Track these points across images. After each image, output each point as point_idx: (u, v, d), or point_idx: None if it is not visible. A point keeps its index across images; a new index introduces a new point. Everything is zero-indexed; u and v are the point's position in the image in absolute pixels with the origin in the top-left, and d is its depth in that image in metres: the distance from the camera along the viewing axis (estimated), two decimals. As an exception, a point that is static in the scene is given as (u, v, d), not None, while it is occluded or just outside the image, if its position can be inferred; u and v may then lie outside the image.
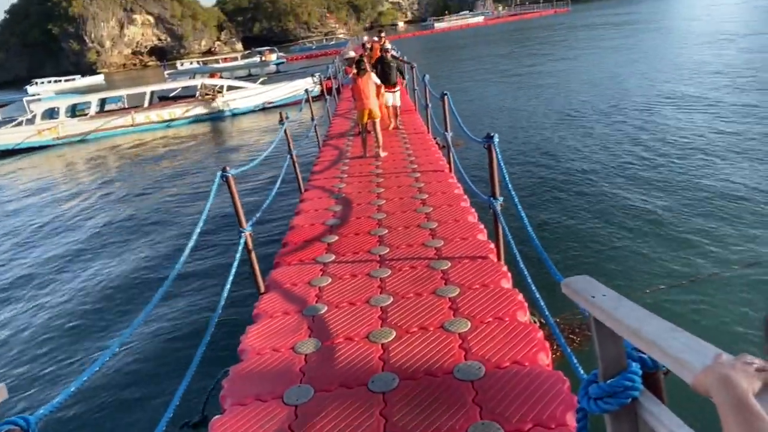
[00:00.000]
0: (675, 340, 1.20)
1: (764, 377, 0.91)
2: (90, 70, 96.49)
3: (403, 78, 12.24)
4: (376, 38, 15.63)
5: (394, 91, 10.83)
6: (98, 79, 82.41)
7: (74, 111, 24.28)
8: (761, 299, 5.42)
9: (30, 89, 65.52)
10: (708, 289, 5.70)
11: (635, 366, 1.60)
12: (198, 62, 68.41)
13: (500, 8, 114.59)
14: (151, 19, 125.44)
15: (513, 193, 4.21)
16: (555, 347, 3.84)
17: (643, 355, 1.62)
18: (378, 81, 9.29)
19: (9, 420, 1.76)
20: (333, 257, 5.40)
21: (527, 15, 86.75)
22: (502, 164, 4.48)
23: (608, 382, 1.60)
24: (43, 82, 73.58)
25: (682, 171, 9.45)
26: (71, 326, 6.85)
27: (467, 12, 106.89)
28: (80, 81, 77.83)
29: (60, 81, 75.80)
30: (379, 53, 12.00)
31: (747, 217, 7.25)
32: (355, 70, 8.99)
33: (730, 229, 6.99)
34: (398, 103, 11.13)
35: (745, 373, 0.90)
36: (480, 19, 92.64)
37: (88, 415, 4.97)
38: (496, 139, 4.57)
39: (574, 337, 4.80)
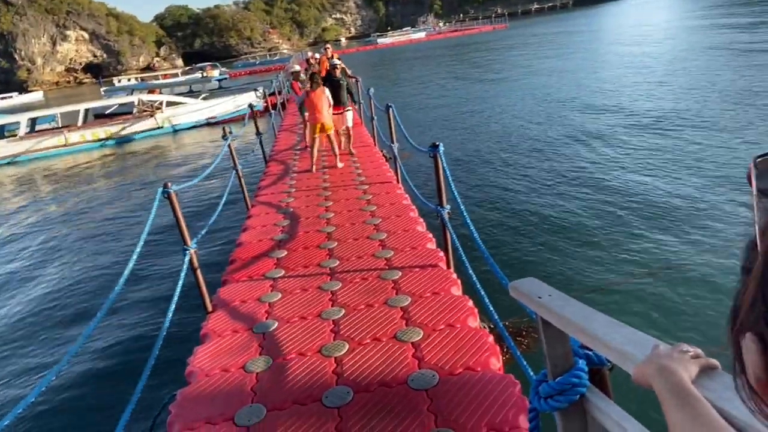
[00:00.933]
0: (617, 334, 1.24)
1: (700, 363, 0.94)
2: (20, 88, 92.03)
3: (354, 100, 10.28)
4: (321, 51, 14.40)
5: (343, 113, 9.61)
6: (37, 96, 79.08)
7: (2, 132, 23.02)
8: (693, 295, 5.71)
9: None
10: (643, 288, 5.96)
11: (581, 363, 1.65)
12: (137, 78, 66.43)
13: (441, 24, 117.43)
14: (86, 35, 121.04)
15: (459, 201, 4.28)
16: (505, 350, 3.90)
17: (588, 352, 1.67)
18: (330, 99, 8.98)
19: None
20: (282, 272, 5.32)
21: (468, 31, 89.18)
22: (448, 173, 4.55)
23: (557, 380, 1.63)
24: None
25: (619, 178, 9.90)
26: (10, 344, 6.43)
27: (409, 28, 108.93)
28: (18, 98, 74.89)
29: None
30: (326, 69, 11.14)
31: (679, 222, 7.65)
32: (308, 84, 9.04)
33: (665, 232, 7.35)
34: (350, 124, 9.80)
35: (681, 361, 0.93)
36: (422, 34, 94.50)
37: None
38: (442, 149, 4.65)
39: (522, 339, 4.90)
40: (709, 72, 18.84)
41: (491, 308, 3.68)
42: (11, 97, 75.70)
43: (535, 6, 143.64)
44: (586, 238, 7.42)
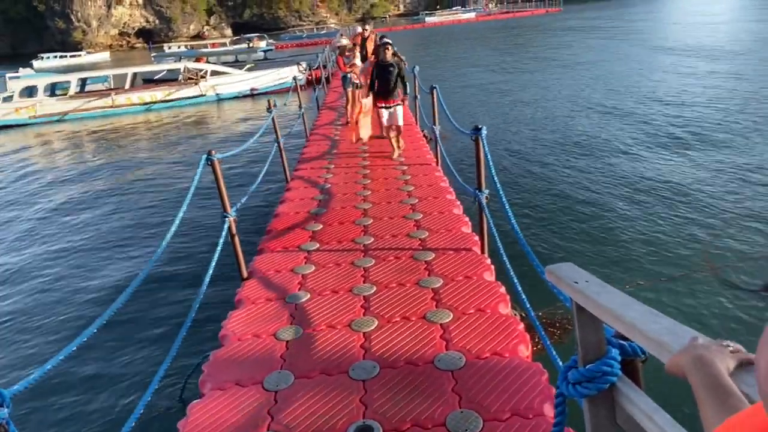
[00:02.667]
0: (655, 323, 1.21)
1: (739, 357, 0.92)
2: (75, 49, 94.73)
3: (406, 89, 8.21)
4: (359, 29, 13.36)
5: (394, 106, 7.96)
6: (104, 56, 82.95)
7: (53, 90, 23.81)
8: (733, 299, 5.53)
9: (35, 63, 65.69)
10: (686, 287, 5.79)
11: (614, 352, 1.63)
12: (186, 46, 67.58)
13: (492, 5, 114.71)
14: (140, 0, 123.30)
15: (498, 186, 4.23)
16: (536, 340, 3.88)
17: (623, 342, 1.65)
18: (369, 99, 8.00)
19: (-17, 394, 1.73)
20: (317, 245, 5.39)
21: (519, 13, 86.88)
22: (489, 157, 4.50)
23: (587, 367, 1.62)
24: (49, 57, 74.12)
25: (669, 173, 9.58)
26: (51, 301, 6.76)
27: (459, 7, 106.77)
28: (86, 57, 79.04)
29: (66, 56, 76.84)
30: (372, 50, 10.38)
31: (722, 223, 7.38)
32: (373, 57, 9.07)
33: (709, 232, 7.11)
34: (401, 123, 8.11)
35: (719, 353, 0.91)
36: (472, 15, 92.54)
37: (66, 394, 4.91)
38: (484, 132, 4.58)
39: (554, 330, 4.86)
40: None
41: (523, 296, 3.65)
42: (80, 55, 79.87)
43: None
44: (627, 234, 7.24)
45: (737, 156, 10.02)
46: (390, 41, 8.00)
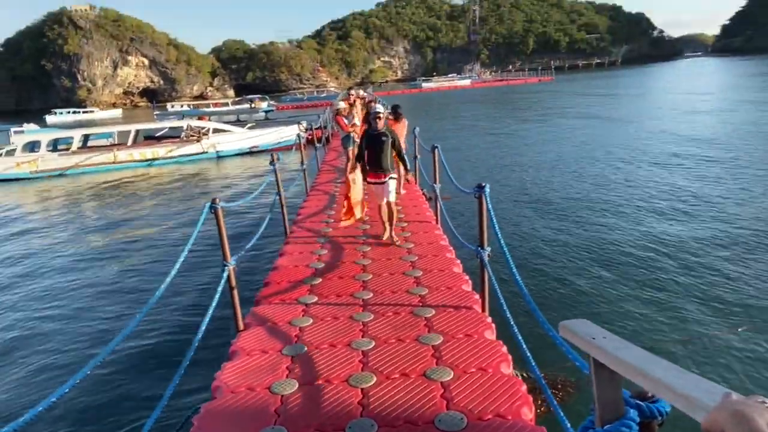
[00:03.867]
0: (683, 380, 1.17)
1: None
2: (79, 106, 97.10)
3: (406, 164, 7.39)
4: (353, 92, 13.79)
5: (386, 180, 6.86)
6: (116, 112, 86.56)
7: (56, 145, 24.15)
8: (753, 365, 5.42)
9: (49, 119, 69.55)
10: (695, 350, 5.68)
11: (632, 413, 1.58)
12: (189, 105, 69.43)
13: (488, 73, 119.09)
14: (146, 61, 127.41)
15: (503, 242, 4.22)
16: (539, 402, 3.75)
17: (640, 402, 1.60)
18: (358, 173, 7.22)
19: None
20: (315, 299, 5.31)
21: (513, 81, 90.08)
22: (492, 214, 4.52)
23: (605, 427, 1.56)
24: (62, 113, 77.61)
25: (671, 229, 9.64)
26: (46, 345, 6.58)
27: (455, 75, 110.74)
28: (98, 114, 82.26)
29: (78, 112, 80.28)
30: (362, 116, 10.62)
31: (733, 283, 7.35)
32: (392, 116, 9.83)
33: (718, 291, 7.06)
34: (391, 198, 6.94)
35: (758, 409, 0.88)
36: (467, 82, 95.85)
37: None
38: (488, 189, 4.62)
39: (556, 392, 4.71)
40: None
41: (528, 354, 3.56)
42: (92, 111, 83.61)
43: (582, 62, 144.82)
44: (632, 293, 7.18)
45: (744, 213, 10.11)
46: (381, 111, 6.92)
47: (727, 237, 9.25)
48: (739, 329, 6.09)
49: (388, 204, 6.96)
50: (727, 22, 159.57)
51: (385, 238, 6.99)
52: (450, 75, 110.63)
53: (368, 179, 7.05)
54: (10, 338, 7.21)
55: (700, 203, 11.43)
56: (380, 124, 6.85)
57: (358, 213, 7.48)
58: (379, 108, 7.02)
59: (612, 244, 9.12)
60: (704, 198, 11.83)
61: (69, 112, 79.02)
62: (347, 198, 7.31)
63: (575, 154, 18.17)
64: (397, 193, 7.30)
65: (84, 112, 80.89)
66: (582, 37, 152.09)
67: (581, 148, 19.34)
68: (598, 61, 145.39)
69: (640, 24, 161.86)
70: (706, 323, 6.30)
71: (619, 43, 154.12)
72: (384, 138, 6.81)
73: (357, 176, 7.35)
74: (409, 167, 7.18)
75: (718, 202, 11.37)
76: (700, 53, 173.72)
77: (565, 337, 1.79)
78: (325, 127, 20.62)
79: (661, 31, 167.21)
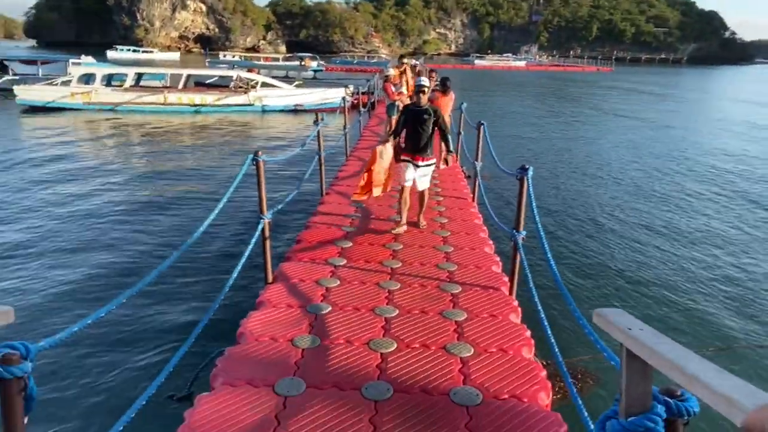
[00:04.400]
0: (722, 379, 1.14)
1: None
2: (136, 45, 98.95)
3: (448, 145, 6.08)
4: (405, 60, 12.80)
5: (424, 165, 6.12)
6: (174, 55, 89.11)
7: (110, 80, 24.72)
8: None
9: (110, 54, 72.27)
10: (737, 360, 5.52)
11: (660, 408, 1.55)
12: (240, 56, 70.04)
13: (544, 57, 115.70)
14: (203, 7, 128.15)
15: (540, 227, 4.16)
16: (557, 390, 3.74)
17: (668, 399, 1.56)
18: (388, 147, 6.15)
19: (9, 344, 1.73)
20: (344, 261, 5.36)
21: (570, 67, 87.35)
22: (532, 198, 4.44)
23: (629, 419, 1.54)
24: (123, 49, 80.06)
25: (718, 226, 9.33)
26: (82, 276, 6.83)
27: (510, 54, 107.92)
28: (157, 54, 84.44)
29: (138, 51, 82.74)
30: (411, 87, 10.17)
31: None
32: (440, 88, 9.55)
33: (757, 301, 6.84)
34: (425, 185, 6.28)
35: None
36: (522, 63, 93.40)
37: (85, 361, 4.94)
38: (531, 172, 4.54)
39: (576, 382, 4.68)
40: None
41: (552, 340, 3.53)
42: (152, 52, 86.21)
43: (646, 56, 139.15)
44: (672, 293, 7.00)
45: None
46: (425, 84, 6.07)
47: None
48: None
49: (421, 193, 6.24)
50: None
51: (400, 229, 6.12)
52: (505, 54, 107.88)
53: (402, 157, 6.17)
54: (49, 256, 7.54)
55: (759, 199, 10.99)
56: (424, 99, 6.07)
57: (376, 191, 6.27)
58: (424, 81, 6.10)
59: (654, 244, 8.86)
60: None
61: (129, 50, 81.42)
62: (369, 171, 6.14)
63: (623, 153, 17.60)
64: (432, 177, 6.41)
65: (143, 52, 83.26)
66: (649, 30, 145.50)
67: (630, 147, 18.70)
68: (663, 56, 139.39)
69: (711, 22, 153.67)
70: (751, 334, 6.11)
71: (687, 40, 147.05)
72: (426, 116, 5.95)
73: (386, 150, 6.12)
74: (452, 147, 6.12)
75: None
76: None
77: (598, 324, 1.76)
78: (372, 93, 20.48)
79: (734, 33, 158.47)
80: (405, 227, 6.16)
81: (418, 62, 13.47)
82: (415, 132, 6.02)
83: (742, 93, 47.87)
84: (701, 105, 36.20)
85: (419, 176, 6.11)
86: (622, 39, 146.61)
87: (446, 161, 5.99)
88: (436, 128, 6.05)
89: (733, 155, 17.60)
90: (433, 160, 6.21)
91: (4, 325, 1.79)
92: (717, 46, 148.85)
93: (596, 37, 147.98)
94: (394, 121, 11.00)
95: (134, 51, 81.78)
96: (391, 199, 7.58)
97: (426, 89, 6.10)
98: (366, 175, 6.14)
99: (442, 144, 6.04)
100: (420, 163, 6.07)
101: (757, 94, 46.50)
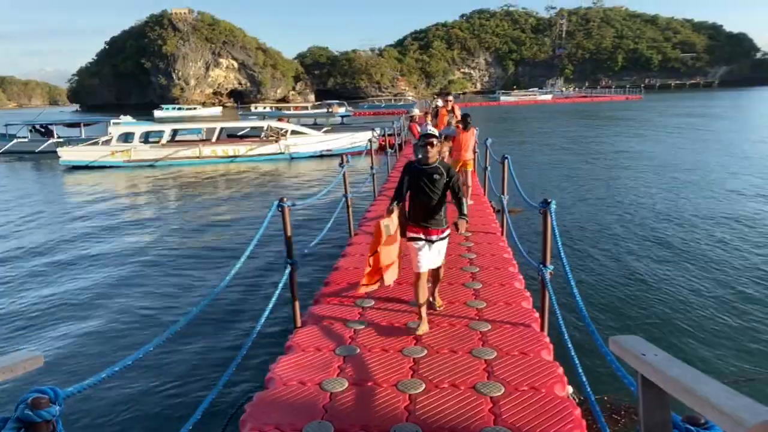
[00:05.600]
0: (734, 401, 1.11)
1: None
2: (173, 103, 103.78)
3: (462, 209, 4.70)
4: (440, 102, 13.16)
5: (437, 240, 4.80)
6: (216, 110, 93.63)
7: (147, 138, 25.89)
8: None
9: (157, 113, 78.78)
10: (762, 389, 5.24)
11: (681, 437, 1.49)
12: (271, 107, 72.57)
13: (571, 89, 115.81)
14: (236, 64, 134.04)
15: (565, 260, 4.10)
16: (595, 427, 3.60)
17: (690, 427, 1.51)
18: (394, 219, 4.79)
19: (39, 388, 1.80)
20: (372, 302, 5.36)
21: (598, 98, 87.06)
22: (556, 231, 4.39)
23: (650, 452, 1.49)
24: (168, 108, 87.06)
25: (750, 263, 8.96)
26: (114, 323, 7.04)
27: (536, 89, 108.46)
28: (200, 111, 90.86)
29: (183, 108, 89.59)
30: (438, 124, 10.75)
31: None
32: (461, 125, 9.71)
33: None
34: (439, 262, 5.01)
35: None
36: (548, 97, 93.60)
37: (112, 409, 5.02)
38: (554, 206, 4.50)
39: (618, 418, 4.49)
40: None
41: (584, 378, 3.43)
42: (195, 108, 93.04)
43: (675, 82, 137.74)
44: (701, 326, 6.74)
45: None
46: (434, 134, 4.63)
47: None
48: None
49: (436, 271, 5.07)
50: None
51: (423, 328, 4.65)
52: (531, 89, 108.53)
53: (408, 233, 4.77)
54: (85, 307, 7.78)
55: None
56: (432, 154, 4.60)
57: (389, 278, 4.94)
58: (431, 129, 4.68)
59: (683, 278, 8.57)
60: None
61: (175, 108, 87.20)
62: (374, 254, 4.75)
63: (653, 184, 17.25)
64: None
65: (188, 109, 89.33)
66: (676, 56, 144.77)
67: (658, 178, 18.34)
68: (693, 81, 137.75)
69: (741, 44, 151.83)
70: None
71: (717, 63, 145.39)
72: (437, 176, 4.58)
73: (393, 222, 4.77)
74: (465, 210, 4.65)
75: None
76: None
77: (614, 351, 1.73)
78: (399, 134, 20.77)
79: (765, 54, 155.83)
80: (426, 327, 4.68)
81: (439, 103, 13.16)
82: (424, 197, 4.63)
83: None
84: (733, 131, 35.36)
85: (434, 254, 4.78)
86: (649, 67, 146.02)
87: (456, 226, 4.57)
88: (448, 191, 4.70)
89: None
90: (449, 231, 4.87)
91: (33, 370, 1.86)
92: (749, 68, 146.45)
93: (622, 66, 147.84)
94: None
95: (179, 109, 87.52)
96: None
97: (435, 141, 4.61)
98: (372, 259, 4.76)
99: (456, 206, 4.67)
100: (434, 237, 4.73)
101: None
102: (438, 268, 5.07)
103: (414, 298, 4.84)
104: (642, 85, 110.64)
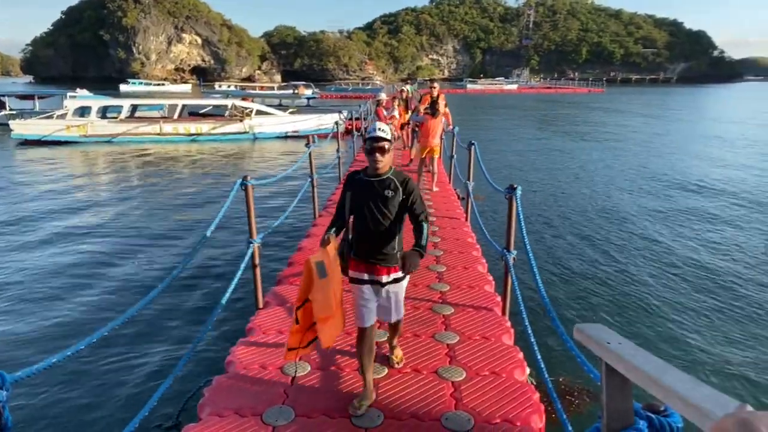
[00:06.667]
0: (697, 391, 1.12)
1: None
2: (131, 77, 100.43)
3: (421, 238, 3.31)
4: (407, 88, 13.51)
5: (388, 282, 3.44)
6: (186, 87, 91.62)
7: (105, 113, 24.94)
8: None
9: (123, 87, 76.33)
10: (718, 368, 5.48)
11: (642, 423, 1.51)
12: (235, 86, 71.07)
13: (536, 79, 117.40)
14: (199, 40, 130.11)
15: (528, 247, 4.14)
16: (550, 411, 3.67)
17: (651, 415, 1.53)
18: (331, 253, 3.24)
19: (-17, 374, 1.69)
20: (336, 285, 5.31)
21: (561, 89, 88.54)
22: (521, 217, 4.43)
23: (612, 435, 1.50)
24: (135, 83, 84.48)
25: (708, 245, 9.30)
26: (69, 309, 6.77)
27: (502, 78, 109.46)
28: (170, 87, 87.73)
29: (150, 84, 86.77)
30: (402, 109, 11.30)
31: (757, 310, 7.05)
32: (429, 111, 9.61)
33: (741, 318, 6.80)
34: (400, 315, 3.57)
35: (766, 419, 0.87)
36: (514, 86, 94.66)
37: (65, 392, 4.85)
38: (519, 192, 4.53)
39: (572, 399, 4.60)
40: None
41: (542, 364, 3.49)
42: (164, 84, 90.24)
43: (636, 77, 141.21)
44: (658, 313, 6.97)
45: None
46: (384, 136, 3.26)
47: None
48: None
49: (395, 325, 3.75)
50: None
51: (364, 404, 3.31)
52: (497, 78, 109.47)
53: (353, 272, 3.45)
54: (37, 286, 7.48)
55: (739, 220, 11.02)
56: (381, 164, 3.28)
57: (326, 338, 3.16)
58: (381, 128, 3.29)
59: (641, 267, 8.84)
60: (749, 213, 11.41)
61: (142, 83, 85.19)
62: (303, 305, 3.21)
63: (611, 172, 17.72)
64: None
65: (156, 84, 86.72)
66: (638, 51, 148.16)
67: (619, 167, 18.83)
68: (652, 76, 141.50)
69: (700, 42, 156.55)
70: (723, 345, 6.06)
71: (676, 59, 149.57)
72: (389, 192, 3.29)
73: (328, 257, 3.24)
74: (424, 241, 3.32)
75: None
76: (761, 77, 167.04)
77: (578, 340, 1.73)
78: (366, 118, 20.66)
79: (722, 52, 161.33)
80: (372, 397, 3.39)
81: (406, 88, 13.19)
82: (371, 221, 3.29)
83: (732, 112, 48.44)
84: (687, 125, 36.57)
85: (385, 302, 3.45)
86: (611, 60, 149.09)
87: (404, 262, 3.22)
88: (406, 214, 3.36)
89: (719, 171, 17.73)
90: (400, 272, 3.38)
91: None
92: (706, 65, 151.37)
93: (586, 59, 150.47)
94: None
95: (146, 84, 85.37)
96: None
97: (386, 145, 3.25)
98: (300, 313, 3.21)
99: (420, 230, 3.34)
100: (384, 278, 3.38)
101: (744, 112, 47.03)
102: (397, 325, 3.76)
103: (359, 363, 3.44)
104: (604, 78, 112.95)
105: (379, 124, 3.33)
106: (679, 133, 29.96)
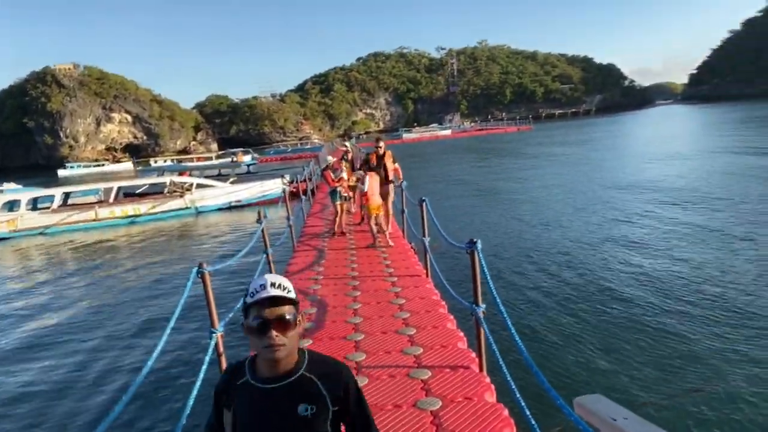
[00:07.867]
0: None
1: None
2: (61, 163, 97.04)
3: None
4: (348, 144, 14.56)
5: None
6: (128, 165, 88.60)
7: (35, 204, 23.89)
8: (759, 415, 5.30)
9: (60, 173, 74.94)
10: (699, 404, 5.55)
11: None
12: (172, 160, 70.00)
13: (467, 123, 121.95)
14: (129, 117, 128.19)
15: (498, 300, 4.14)
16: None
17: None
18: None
19: None
20: (308, 342, 5.11)
21: (493, 130, 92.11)
22: (486, 270, 4.44)
23: None
24: (73, 166, 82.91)
25: (670, 279, 9.61)
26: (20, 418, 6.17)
27: (436, 125, 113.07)
28: (109, 167, 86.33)
29: (90, 166, 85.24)
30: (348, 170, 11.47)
31: (741, 331, 7.28)
32: (365, 167, 9.97)
33: (715, 343, 6.99)
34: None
35: None
36: (448, 132, 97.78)
37: None
38: (479, 245, 4.56)
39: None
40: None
41: (533, 422, 3.42)
42: (103, 165, 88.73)
43: (559, 111, 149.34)
44: (631, 346, 7.07)
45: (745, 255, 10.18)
46: (283, 295, 1.76)
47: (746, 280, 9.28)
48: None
49: None
50: (695, 71, 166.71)
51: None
52: (431, 125, 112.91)
53: None
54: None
55: (695, 245, 11.54)
56: (283, 350, 1.76)
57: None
58: (277, 285, 1.77)
59: (612, 299, 9.02)
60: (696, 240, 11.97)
61: (80, 166, 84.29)
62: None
63: (560, 205, 18.40)
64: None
65: (95, 166, 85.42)
66: (557, 88, 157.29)
67: (565, 198, 19.63)
68: (574, 110, 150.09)
69: (611, 74, 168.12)
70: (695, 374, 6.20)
71: (592, 92, 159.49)
72: (305, 409, 1.79)
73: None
74: None
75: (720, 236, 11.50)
76: (670, 101, 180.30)
77: (580, 415, 1.69)
78: (310, 179, 20.68)
79: (632, 81, 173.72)
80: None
81: (347, 145, 13.42)
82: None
83: (648, 134, 51.84)
84: (618, 149, 38.76)
85: None
86: (534, 98, 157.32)
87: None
88: None
89: (659, 187, 18.74)
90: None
91: None
92: (619, 95, 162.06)
93: (511, 99, 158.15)
94: (338, 207, 11.14)
95: (86, 166, 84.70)
96: (345, 287, 7.44)
97: (287, 312, 1.77)
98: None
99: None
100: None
101: (659, 133, 50.41)
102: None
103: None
104: (531, 116, 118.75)
105: (269, 276, 1.82)
106: (609, 154, 31.62)
